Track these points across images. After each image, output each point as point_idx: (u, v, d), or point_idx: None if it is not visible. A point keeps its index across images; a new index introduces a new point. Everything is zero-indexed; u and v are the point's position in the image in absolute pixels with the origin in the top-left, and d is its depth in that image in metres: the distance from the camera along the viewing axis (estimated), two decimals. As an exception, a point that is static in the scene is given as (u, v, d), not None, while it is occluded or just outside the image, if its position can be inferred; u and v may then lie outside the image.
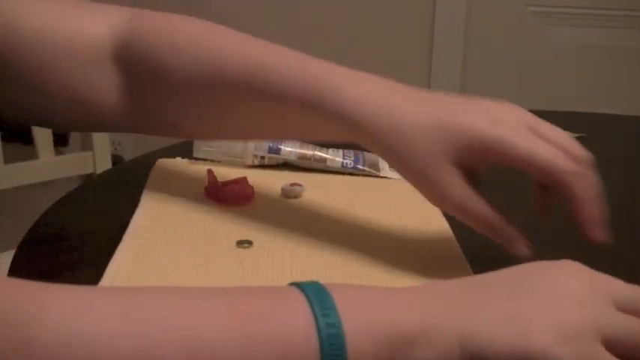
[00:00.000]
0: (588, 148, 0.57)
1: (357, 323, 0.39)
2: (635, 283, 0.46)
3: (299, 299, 0.40)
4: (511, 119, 0.56)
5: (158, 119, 0.67)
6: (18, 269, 0.58)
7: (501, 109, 0.57)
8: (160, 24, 0.65)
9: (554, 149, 0.55)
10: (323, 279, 0.57)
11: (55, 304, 0.36)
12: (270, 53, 0.62)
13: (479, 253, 0.62)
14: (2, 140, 1.23)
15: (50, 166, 1.29)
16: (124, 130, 0.69)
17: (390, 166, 0.61)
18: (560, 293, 0.43)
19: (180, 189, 0.72)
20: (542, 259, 0.47)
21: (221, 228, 0.64)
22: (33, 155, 1.28)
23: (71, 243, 0.62)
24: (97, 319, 0.36)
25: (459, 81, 2.42)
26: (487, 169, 0.58)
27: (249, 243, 0.61)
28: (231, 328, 0.38)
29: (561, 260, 0.46)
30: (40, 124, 0.72)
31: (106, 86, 0.65)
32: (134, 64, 0.65)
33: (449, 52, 2.41)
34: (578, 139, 0.57)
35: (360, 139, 0.59)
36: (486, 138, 0.55)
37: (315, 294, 0.40)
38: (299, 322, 0.39)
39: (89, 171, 1.30)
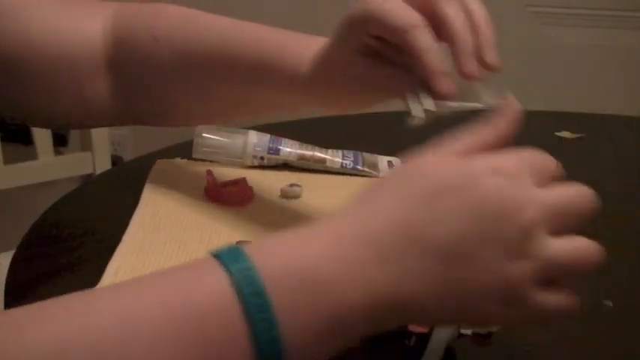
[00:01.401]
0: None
1: (272, 264, 0.38)
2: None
3: (209, 260, 0.39)
4: None
5: (145, 110, 0.68)
6: (17, 269, 0.58)
7: None
8: (138, 16, 0.67)
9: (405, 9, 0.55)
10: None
11: None
12: (236, 28, 0.65)
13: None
14: (2, 140, 1.23)
15: (50, 167, 1.29)
16: (121, 124, 0.71)
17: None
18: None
19: (179, 190, 0.72)
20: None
21: (220, 228, 0.64)
22: (33, 155, 1.27)
23: (71, 243, 0.62)
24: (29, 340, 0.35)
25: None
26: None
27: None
28: (150, 306, 0.37)
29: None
30: (42, 125, 0.73)
31: (99, 85, 0.66)
32: (120, 60, 0.66)
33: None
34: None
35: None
36: (366, 15, 0.58)
37: (225, 250, 0.39)
38: (209, 277, 0.38)
39: (89, 171, 1.30)
